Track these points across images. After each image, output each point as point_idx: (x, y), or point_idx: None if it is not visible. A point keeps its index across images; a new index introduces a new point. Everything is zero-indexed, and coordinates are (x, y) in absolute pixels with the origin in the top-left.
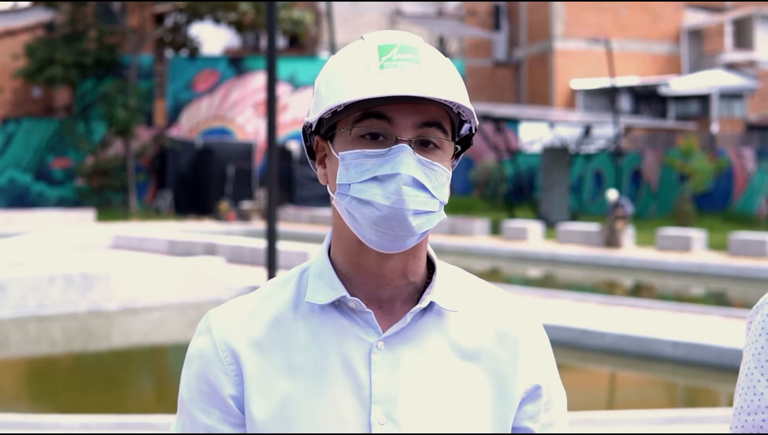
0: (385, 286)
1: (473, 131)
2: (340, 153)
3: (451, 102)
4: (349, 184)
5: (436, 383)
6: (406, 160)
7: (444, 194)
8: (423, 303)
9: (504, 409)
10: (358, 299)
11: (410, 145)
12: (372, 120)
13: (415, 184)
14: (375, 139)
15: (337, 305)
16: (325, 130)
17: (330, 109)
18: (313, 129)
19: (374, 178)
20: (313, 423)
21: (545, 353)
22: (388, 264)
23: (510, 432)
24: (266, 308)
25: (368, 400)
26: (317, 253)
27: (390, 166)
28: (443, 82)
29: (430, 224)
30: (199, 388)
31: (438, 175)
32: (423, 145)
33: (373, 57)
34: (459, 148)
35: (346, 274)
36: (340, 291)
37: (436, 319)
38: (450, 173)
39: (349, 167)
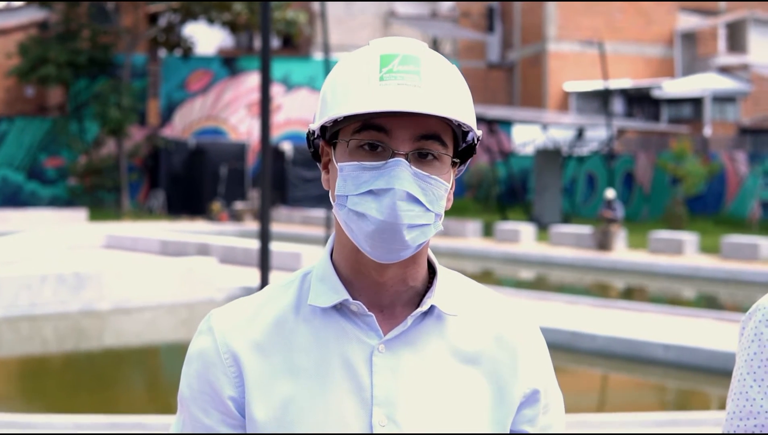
0: (385, 291)
1: (476, 141)
2: (339, 163)
3: (447, 118)
4: (347, 196)
5: (436, 386)
6: (402, 175)
7: (440, 206)
8: (424, 307)
9: (502, 412)
10: (359, 302)
11: (407, 159)
12: (371, 131)
13: (410, 198)
14: (374, 149)
15: (339, 308)
16: (329, 136)
17: (330, 119)
18: (316, 135)
19: (370, 192)
20: (315, 424)
21: (543, 358)
22: (387, 272)
23: (507, 434)
24: (268, 310)
25: (369, 401)
26: (312, 254)
27: (385, 180)
28: (443, 95)
29: (425, 237)
30: (200, 388)
31: (434, 188)
32: (421, 157)
33: (374, 68)
34: (458, 160)
35: (348, 278)
36: (343, 294)
37: (436, 322)
38: (449, 185)
39: (347, 179)
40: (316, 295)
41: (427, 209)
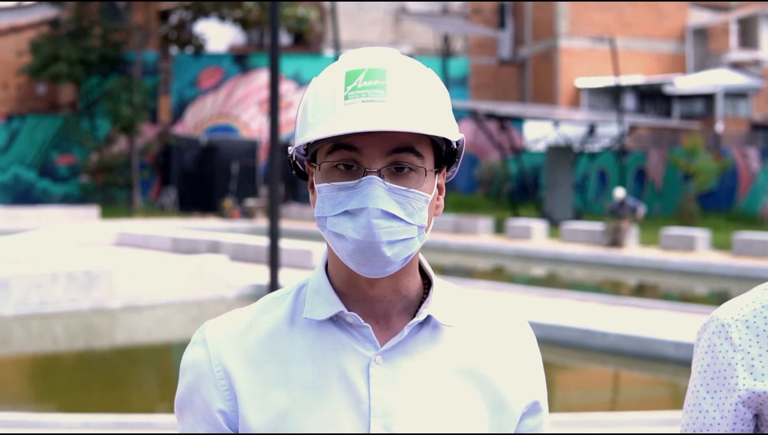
0: (378, 302)
1: (455, 145)
2: (316, 185)
3: (413, 132)
4: (326, 217)
5: (434, 397)
6: (375, 193)
7: (422, 218)
8: (420, 316)
9: (502, 422)
10: (355, 314)
11: (380, 175)
12: (342, 151)
13: (386, 215)
14: (348, 168)
15: (335, 320)
16: (310, 157)
17: (303, 144)
18: (296, 157)
19: (346, 213)
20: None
21: (540, 368)
22: (379, 285)
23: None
24: (262, 323)
25: (367, 413)
26: (323, 252)
27: (358, 199)
28: (411, 108)
29: (409, 250)
30: (192, 398)
31: (413, 201)
32: (397, 171)
33: (339, 86)
34: (439, 168)
35: (342, 290)
36: (338, 306)
37: (432, 332)
38: (430, 196)
39: (324, 200)
40: (312, 307)
41: (408, 223)
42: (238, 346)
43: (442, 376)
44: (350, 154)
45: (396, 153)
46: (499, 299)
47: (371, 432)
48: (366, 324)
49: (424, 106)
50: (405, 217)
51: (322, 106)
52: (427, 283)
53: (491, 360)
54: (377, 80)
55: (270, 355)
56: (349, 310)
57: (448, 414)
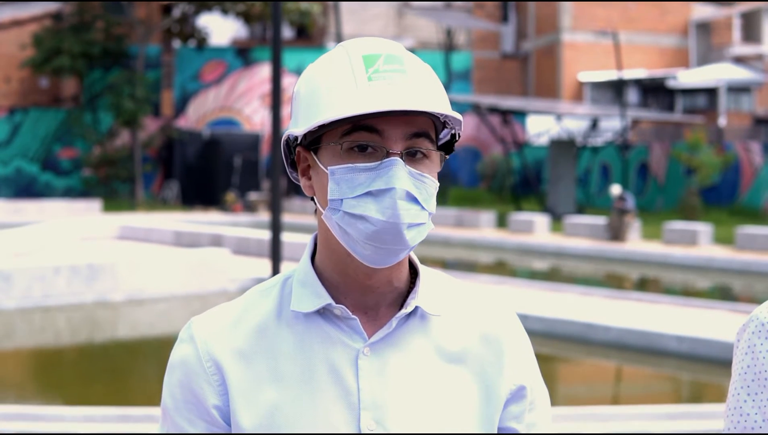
0: (371, 292)
1: (456, 138)
2: (329, 167)
3: (440, 113)
4: (341, 199)
5: (423, 387)
6: (399, 174)
7: (433, 205)
8: (408, 308)
9: (490, 410)
10: (343, 306)
11: (401, 158)
12: (361, 133)
13: (408, 197)
14: (363, 151)
15: (322, 313)
16: (309, 142)
17: (318, 124)
18: (295, 141)
19: (368, 193)
20: (303, 431)
21: (528, 354)
22: (375, 275)
23: (496, 433)
24: (249, 317)
25: (357, 406)
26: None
27: (384, 180)
28: (431, 92)
29: (421, 236)
30: (184, 397)
31: (427, 187)
32: (412, 156)
33: (359, 68)
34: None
35: (333, 282)
36: (325, 299)
37: (420, 323)
38: (438, 184)
39: (340, 182)
40: (298, 300)
41: (423, 208)
42: (227, 341)
43: (431, 365)
44: (371, 136)
45: (414, 138)
46: (484, 288)
47: (361, 424)
48: (354, 316)
49: (441, 92)
50: (422, 202)
51: (341, 86)
52: (414, 273)
53: (479, 347)
54: (397, 65)
55: (259, 349)
56: (338, 302)
57: (438, 404)
